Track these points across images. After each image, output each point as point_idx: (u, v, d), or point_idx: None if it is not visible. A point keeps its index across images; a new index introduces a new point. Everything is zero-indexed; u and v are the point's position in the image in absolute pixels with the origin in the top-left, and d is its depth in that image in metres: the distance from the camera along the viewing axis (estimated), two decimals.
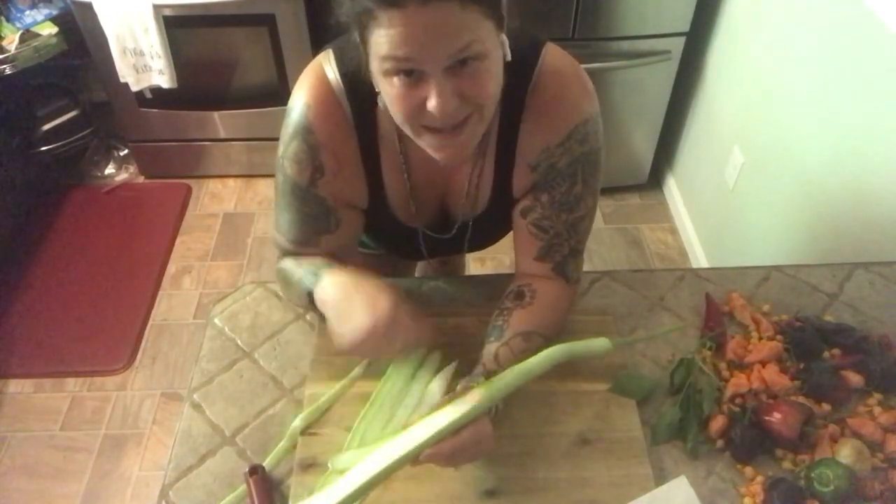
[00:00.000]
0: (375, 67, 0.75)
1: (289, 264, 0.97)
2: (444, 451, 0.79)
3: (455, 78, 0.72)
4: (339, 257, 0.97)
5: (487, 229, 1.05)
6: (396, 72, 0.72)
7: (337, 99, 0.87)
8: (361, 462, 0.79)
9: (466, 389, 0.85)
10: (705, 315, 1.07)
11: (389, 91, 0.75)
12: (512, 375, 0.84)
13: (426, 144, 0.81)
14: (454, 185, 0.98)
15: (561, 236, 0.95)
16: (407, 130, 0.81)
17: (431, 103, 0.73)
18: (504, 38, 0.78)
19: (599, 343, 0.90)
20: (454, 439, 0.79)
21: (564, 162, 0.90)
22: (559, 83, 0.88)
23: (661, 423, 0.94)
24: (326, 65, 0.88)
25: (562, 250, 0.97)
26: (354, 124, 0.89)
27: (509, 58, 0.80)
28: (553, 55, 0.88)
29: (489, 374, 0.88)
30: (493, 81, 0.76)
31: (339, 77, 0.87)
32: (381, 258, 1.22)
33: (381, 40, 0.70)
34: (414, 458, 0.79)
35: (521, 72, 0.83)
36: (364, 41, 0.74)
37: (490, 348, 0.92)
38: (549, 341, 0.98)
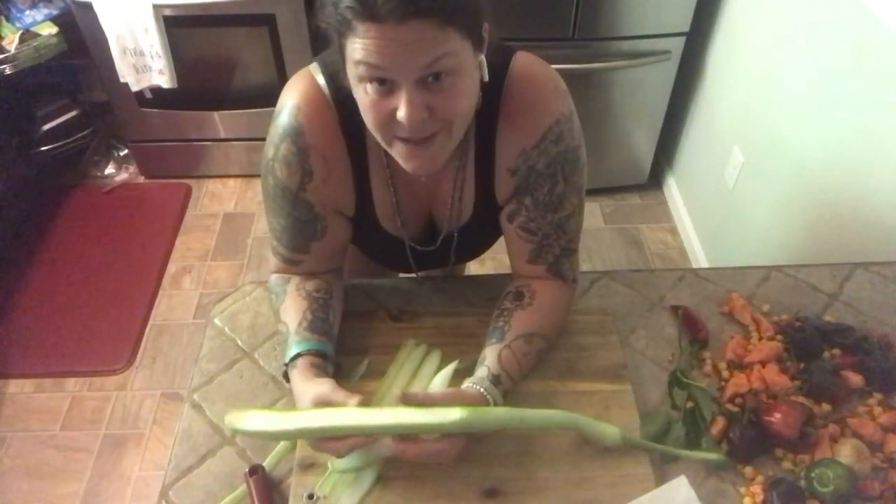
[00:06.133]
0: (351, 72, 0.76)
1: (277, 299, 0.98)
2: (410, 455, 0.82)
3: (427, 91, 0.74)
4: (330, 279, 1.00)
5: (472, 239, 1.06)
6: (369, 79, 0.74)
7: (327, 103, 0.88)
8: (318, 411, 0.81)
9: (472, 393, 0.86)
10: (689, 328, 1.06)
11: (363, 98, 0.76)
12: (505, 415, 0.84)
13: (396, 154, 0.82)
14: (438, 197, 0.98)
15: (550, 237, 0.96)
16: (379, 139, 0.82)
17: (401, 113, 0.74)
18: (482, 59, 0.79)
19: (610, 431, 0.88)
20: (421, 448, 0.82)
21: (542, 163, 0.90)
22: (528, 87, 0.88)
23: (669, 440, 0.93)
24: (316, 73, 0.88)
25: (553, 251, 0.97)
26: (343, 132, 0.89)
27: (487, 79, 0.81)
28: (522, 61, 0.89)
29: (494, 379, 0.89)
30: (464, 99, 0.77)
31: (327, 85, 0.87)
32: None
33: (357, 47, 0.71)
34: (368, 435, 0.81)
35: (492, 81, 0.84)
36: (341, 46, 0.75)
37: (493, 350, 0.92)
38: (549, 342, 0.98)
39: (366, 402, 0.82)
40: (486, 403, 0.87)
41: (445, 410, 0.80)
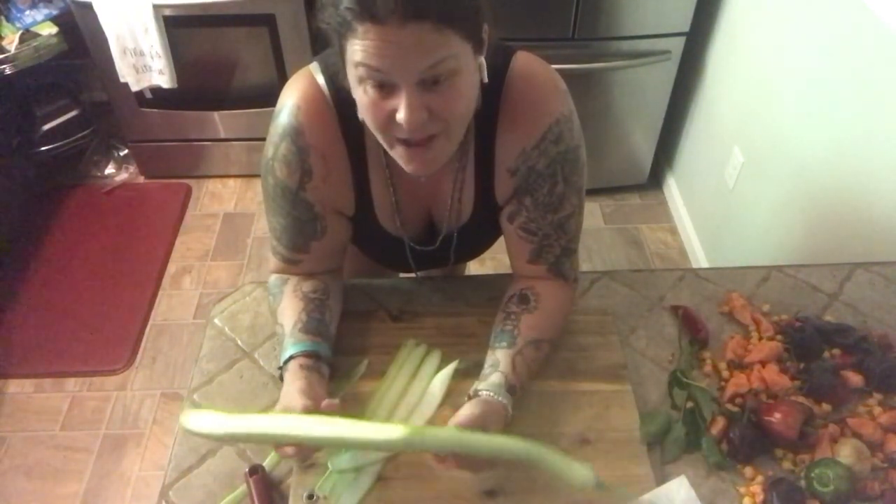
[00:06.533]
0: (350, 73, 0.76)
1: (275, 300, 0.98)
2: (453, 467, 0.81)
3: (426, 93, 0.74)
4: (327, 281, 1.00)
5: (472, 239, 1.06)
6: (369, 80, 0.74)
7: (327, 103, 0.88)
8: (263, 417, 0.79)
9: (496, 408, 0.86)
10: (689, 328, 1.06)
11: (363, 99, 0.76)
12: (449, 438, 0.78)
13: (397, 156, 0.82)
14: (438, 197, 0.98)
15: (550, 237, 0.96)
16: (380, 139, 0.82)
17: (400, 115, 0.74)
18: (482, 60, 0.79)
19: (581, 473, 0.78)
20: (469, 462, 0.80)
21: (542, 163, 0.90)
22: (528, 87, 0.88)
23: (669, 440, 0.93)
24: (316, 73, 0.88)
25: (553, 251, 0.97)
26: (343, 132, 0.89)
27: (486, 80, 0.81)
28: (522, 61, 0.89)
29: (511, 389, 0.88)
30: (463, 100, 0.78)
31: (327, 85, 0.87)
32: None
33: (357, 49, 0.71)
34: (305, 442, 0.79)
35: (492, 81, 0.84)
36: (342, 48, 0.75)
37: (505, 356, 0.91)
38: (554, 346, 0.99)
39: (326, 410, 0.80)
40: (506, 415, 0.87)
41: (388, 427, 0.76)
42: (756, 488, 0.87)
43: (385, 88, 0.74)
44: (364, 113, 0.79)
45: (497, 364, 0.90)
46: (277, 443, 0.81)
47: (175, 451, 0.93)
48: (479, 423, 0.81)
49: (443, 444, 0.78)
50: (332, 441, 0.78)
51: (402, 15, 0.68)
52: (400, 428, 0.75)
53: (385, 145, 0.82)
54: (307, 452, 0.83)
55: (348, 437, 0.76)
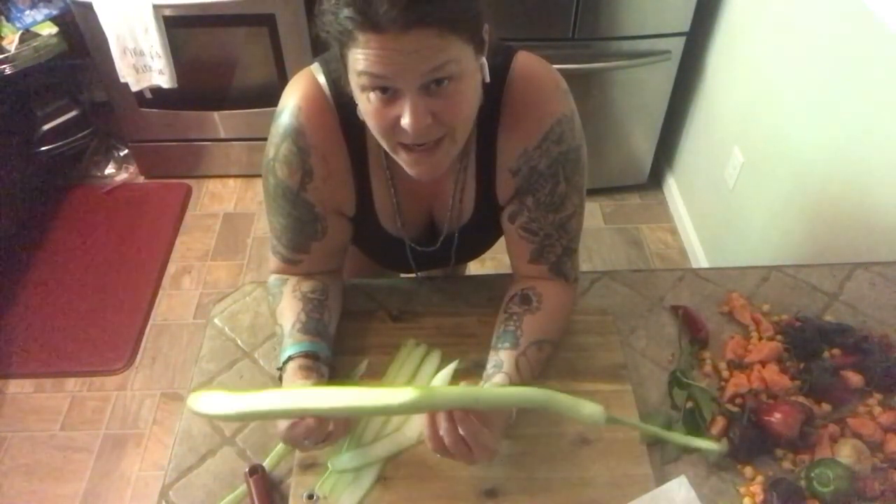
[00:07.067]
0: (353, 81, 0.76)
1: (274, 300, 0.98)
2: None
3: (429, 97, 0.74)
4: (327, 282, 1.00)
5: (473, 239, 1.06)
6: (372, 88, 0.74)
7: (328, 103, 0.88)
8: (270, 392, 0.79)
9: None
10: (689, 328, 1.06)
11: (366, 106, 0.77)
12: (457, 395, 0.78)
13: (401, 160, 0.82)
14: (439, 197, 0.99)
15: (551, 237, 0.96)
16: (384, 145, 0.82)
17: (405, 121, 0.74)
18: (484, 61, 0.80)
19: (591, 409, 0.79)
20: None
21: (544, 163, 0.90)
22: (530, 87, 0.88)
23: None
24: (317, 73, 0.89)
25: (555, 251, 0.97)
26: (344, 133, 0.89)
27: (488, 80, 0.81)
28: (523, 61, 0.89)
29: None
30: (467, 103, 0.78)
31: (328, 86, 0.87)
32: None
33: (359, 57, 0.71)
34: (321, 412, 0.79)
35: (493, 82, 0.84)
36: (343, 56, 0.75)
37: (509, 356, 0.91)
38: (556, 347, 0.99)
39: None
40: (510, 415, 0.87)
41: (399, 391, 0.76)
42: (756, 488, 0.87)
43: (388, 94, 0.74)
44: (367, 119, 0.79)
45: (500, 365, 0.90)
46: (290, 417, 0.80)
47: (175, 451, 0.93)
48: (483, 421, 0.81)
49: (454, 400, 0.78)
50: (345, 410, 0.78)
51: (403, 23, 0.67)
52: (411, 390, 0.75)
53: (389, 150, 0.82)
54: (325, 425, 0.81)
55: (360, 404, 0.76)
